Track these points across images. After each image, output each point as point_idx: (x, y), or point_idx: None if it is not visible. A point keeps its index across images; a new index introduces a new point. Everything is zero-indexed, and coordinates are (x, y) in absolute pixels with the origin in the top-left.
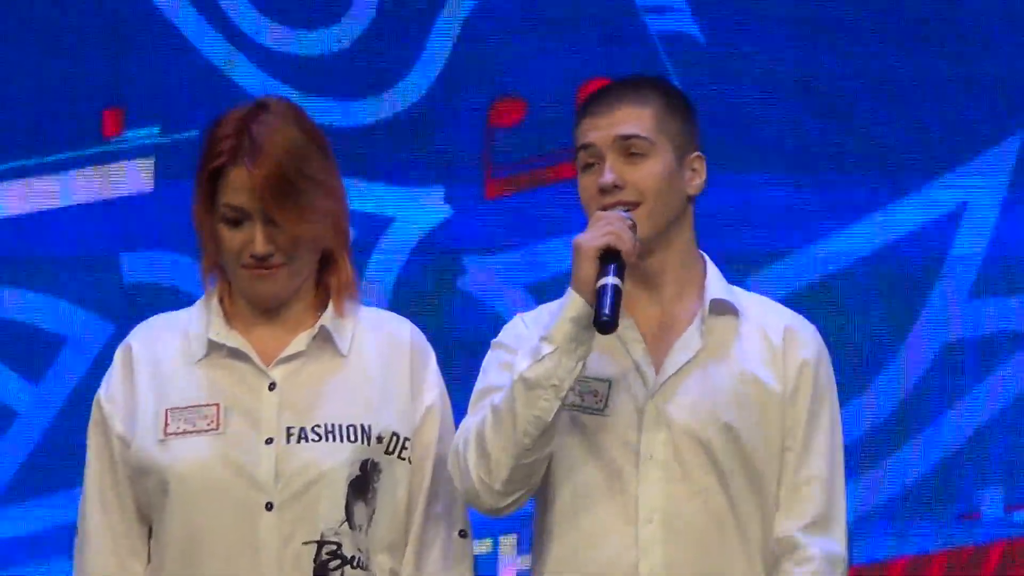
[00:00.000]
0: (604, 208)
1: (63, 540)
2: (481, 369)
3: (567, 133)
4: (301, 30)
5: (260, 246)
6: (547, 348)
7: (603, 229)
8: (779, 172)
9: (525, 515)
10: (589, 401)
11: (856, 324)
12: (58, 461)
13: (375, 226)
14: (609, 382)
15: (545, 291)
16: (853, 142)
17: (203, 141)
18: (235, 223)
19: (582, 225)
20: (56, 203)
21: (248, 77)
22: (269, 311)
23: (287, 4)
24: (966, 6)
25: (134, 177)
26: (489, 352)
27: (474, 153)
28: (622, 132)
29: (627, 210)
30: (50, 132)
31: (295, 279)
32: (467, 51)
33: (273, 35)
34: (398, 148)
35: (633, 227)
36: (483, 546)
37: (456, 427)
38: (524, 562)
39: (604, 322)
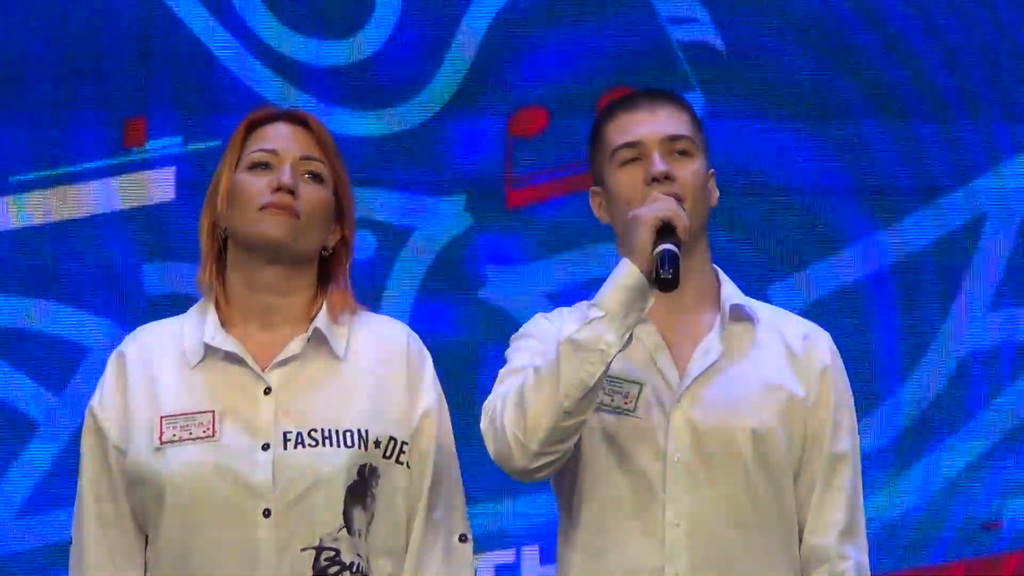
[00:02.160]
0: None
1: None
2: (506, 358)
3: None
4: (322, 40)
5: (288, 177)
6: (598, 313)
7: (662, 204)
8: (799, 182)
9: (547, 526)
10: (619, 401)
11: (878, 334)
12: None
13: (396, 236)
14: (640, 385)
15: (567, 301)
16: (873, 152)
17: (239, 123)
18: (263, 166)
19: (605, 234)
20: (78, 213)
21: (269, 88)
22: (264, 316)
23: (308, 15)
24: (984, 15)
25: (156, 187)
26: (512, 345)
27: (496, 163)
28: (672, 132)
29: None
30: (72, 142)
31: (298, 239)
32: (488, 60)
33: (295, 45)
34: (419, 158)
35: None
36: (506, 556)
37: (453, 431)
38: (546, 572)
39: (664, 280)
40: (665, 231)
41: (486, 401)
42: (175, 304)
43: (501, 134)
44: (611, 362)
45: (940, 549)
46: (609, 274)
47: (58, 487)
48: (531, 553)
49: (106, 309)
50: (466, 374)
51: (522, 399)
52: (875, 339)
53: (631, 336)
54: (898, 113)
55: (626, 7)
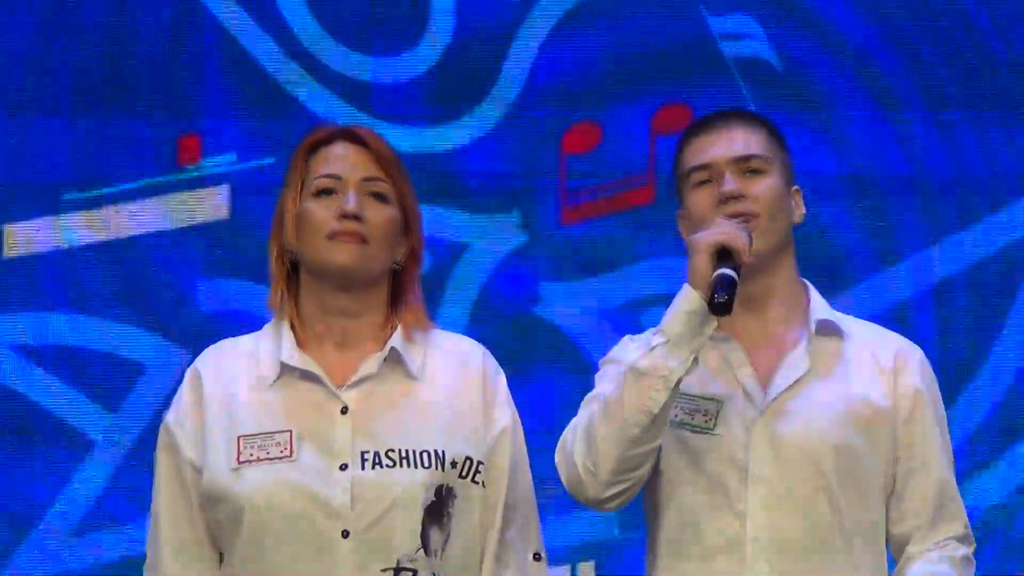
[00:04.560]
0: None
1: (141, 570)
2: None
3: (643, 158)
4: (377, 57)
5: (353, 203)
6: (659, 339)
7: (720, 229)
8: (857, 196)
9: (603, 541)
10: (699, 420)
11: (937, 344)
12: (136, 490)
13: (451, 253)
14: (720, 402)
15: (622, 317)
16: (932, 163)
17: (297, 146)
18: (327, 193)
19: (659, 250)
20: (132, 231)
21: (323, 105)
22: (338, 337)
23: (362, 31)
24: None
25: (210, 204)
26: (599, 369)
27: (550, 179)
28: (742, 152)
29: (746, 223)
30: (126, 160)
31: (368, 264)
32: (542, 77)
33: (349, 62)
34: (474, 174)
35: (750, 237)
36: (562, 573)
37: (527, 450)
38: None
39: (718, 304)
40: (723, 255)
41: (564, 432)
42: (230, 322)
43: (555, 150)
44: (676, 387)
45: (989, 563)
46: (663, 290)
47: (114, 505)
48: (586, 569)
49: (162, 327)
50: (521, 391)
51: (591, 429)
52: (935, 350)
53: (696, 360)
54: (960, 119)
55: (679, 23)
